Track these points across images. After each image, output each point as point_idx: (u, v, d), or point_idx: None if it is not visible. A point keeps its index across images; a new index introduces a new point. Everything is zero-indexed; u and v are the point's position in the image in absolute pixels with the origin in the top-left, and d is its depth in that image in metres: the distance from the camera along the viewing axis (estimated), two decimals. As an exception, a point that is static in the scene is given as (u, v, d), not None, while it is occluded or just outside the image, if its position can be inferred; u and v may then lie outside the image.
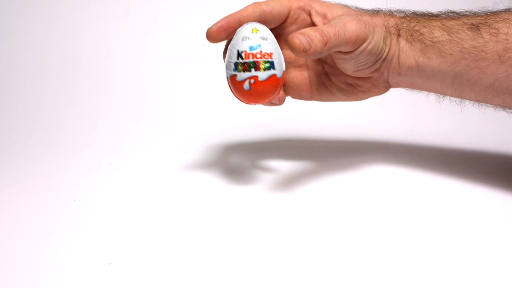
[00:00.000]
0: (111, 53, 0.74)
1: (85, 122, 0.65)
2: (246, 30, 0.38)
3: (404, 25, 0.41)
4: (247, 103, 0.39)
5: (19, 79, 0.70)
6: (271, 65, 0.37)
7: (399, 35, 0.41)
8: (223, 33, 0.39)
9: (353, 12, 0.42)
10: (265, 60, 0.37)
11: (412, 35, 0.41)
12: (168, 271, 0.31)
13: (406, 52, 0.41)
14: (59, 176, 0.48)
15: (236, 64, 0.37)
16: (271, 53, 0.37)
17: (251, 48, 0.37)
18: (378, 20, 0.41)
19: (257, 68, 0.37)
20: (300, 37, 0.35)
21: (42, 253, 0.33)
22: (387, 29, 0.41)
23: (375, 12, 0.43)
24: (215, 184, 0.46)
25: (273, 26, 0.42)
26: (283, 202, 0.41)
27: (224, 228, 0.37)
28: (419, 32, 0.41)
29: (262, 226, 0.37)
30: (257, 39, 0.37)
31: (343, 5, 0.42)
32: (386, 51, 0.41)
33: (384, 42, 0.40)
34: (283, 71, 0.39)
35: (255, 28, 0.38)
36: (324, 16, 0.40)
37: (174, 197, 0.43)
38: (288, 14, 0.41)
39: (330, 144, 0.60)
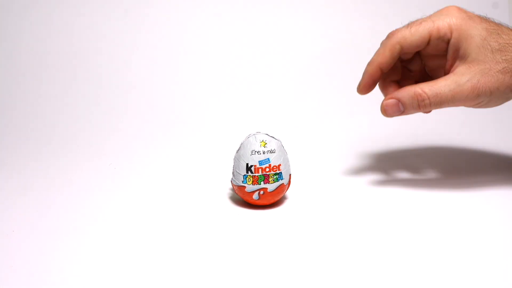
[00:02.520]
0: (111, 53, 0.74)
1: (85, 122, 0.65)
2: (254, 143, 0.39)
3: None
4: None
5: (19, 79, 0.70)
6: (279, 176, 0.39)
7: None
8: (370, 89, 0.41)
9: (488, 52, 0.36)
10: (274, 172, 0.39)
11: None
12: (166, 271, 0.31)
13: None
14: (59, 176, 0.48)
15: (245, 177, 0.39)
16: (279, 165, 0.39)
17: (260, 162, 0.38)
18: None
19: (266, 181, 0.38)
20: (388, 109, 0.39)
21: (42, 253, 0.33)
22: None
23: None
24: (215, 184, 0.46)
25: (411, 55, 0.40)
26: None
27: (224, 228, 0.37)
28: None
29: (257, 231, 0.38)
30: (266, 153, 0.38)
31: (486, 24, 0.37)
32: None
33: None
34: (289, 174, 0.41)
35: (263, 141, 0.39)
36: (456, 51, 0.37)
37: (174, 198, 0.43)
38: (428, 42, 0.38)
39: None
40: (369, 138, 0.62)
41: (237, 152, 0.40)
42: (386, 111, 0.39)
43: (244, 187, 0.39)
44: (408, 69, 0.42)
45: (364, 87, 0.41)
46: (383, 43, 0.39)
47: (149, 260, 0.33)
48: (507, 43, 0.36)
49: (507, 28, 0.37)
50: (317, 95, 0.73)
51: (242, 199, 0.41)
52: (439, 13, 0.38)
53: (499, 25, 0.37)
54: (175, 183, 0.47)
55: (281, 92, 0.73)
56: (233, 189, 0.42)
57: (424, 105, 0.37)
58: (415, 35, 0.37)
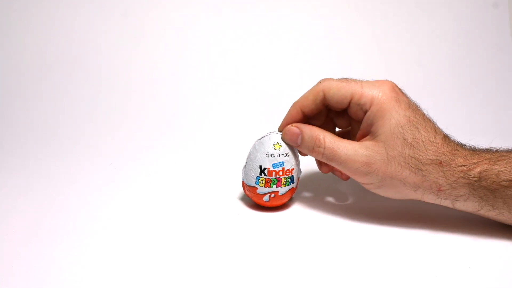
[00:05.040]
0: (112, 53, 0.73)
1: (85, 121, 0.65)
2: (268, 145, 0.38)
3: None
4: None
5: (19, 79, 0.70)
6: (291, 180, 0.39)
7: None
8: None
9: (397, 140, 0.34)
10: (286, 176, 0.38)
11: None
12: (169, 272, 0.31)
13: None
14: (60, 176, 0.48)
15: (258, 179, 0.38)
16: (292, 169, 0.39)
17: (274, 166, 0.38)
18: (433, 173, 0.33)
19: (278, 184, 0.38)
20: (287, 134, 0.38)
21: (42, 253, 0.33)
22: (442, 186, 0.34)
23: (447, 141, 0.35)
24: (216, 185, 0.46)
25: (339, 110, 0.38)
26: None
27: (232, 229, 0.37)
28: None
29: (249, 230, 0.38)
30: (279, 157, 0.38)
31: (411, 113, 0.34)
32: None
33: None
34: (298, 178, 0.40)
35: (278, 144, 0.38)
36: (369, 125, 0.35)
37: (174, 198, 0.43)
38: (349, 104, 0.36)
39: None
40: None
41: (250, 152, 0.39)
42: (286, 134, 0.38)
43: (256, 188, 0.38)
44: (334, 123, 0.41)
45: (283, 127, 0.39)
46: (311, 87, 0.38)
47: (151, 260, 0.32)
48: (422, 140, 0.33)
49: (433, 125, 0.35)
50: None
51: (251, 199, 0.41)
52: (374, 82, 0.36)
53: (426, 119, 0.35)
54: (178, 184, 0.47)
55: (284, 91, 0.73)
56: (242, 188, 0.41)
57: (317, 152, 0.36)
58: (340, 91, 0.36)
